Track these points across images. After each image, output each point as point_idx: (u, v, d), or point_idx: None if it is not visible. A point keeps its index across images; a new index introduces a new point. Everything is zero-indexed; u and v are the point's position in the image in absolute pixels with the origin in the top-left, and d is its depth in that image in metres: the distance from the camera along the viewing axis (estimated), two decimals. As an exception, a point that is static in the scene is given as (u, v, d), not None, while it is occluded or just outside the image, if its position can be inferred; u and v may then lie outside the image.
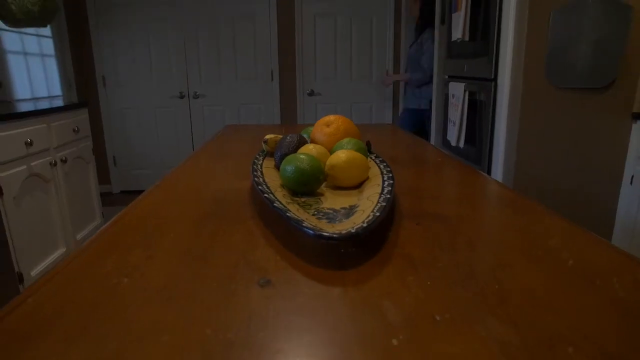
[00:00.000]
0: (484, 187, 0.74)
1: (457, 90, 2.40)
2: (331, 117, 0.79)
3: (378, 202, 0.53)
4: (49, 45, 3.46)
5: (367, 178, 0.68)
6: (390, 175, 0.64)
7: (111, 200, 3.82)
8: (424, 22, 3.01)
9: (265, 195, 0.56)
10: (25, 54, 3.19)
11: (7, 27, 2.90)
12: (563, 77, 1.96)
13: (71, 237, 2.47)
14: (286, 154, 0.70)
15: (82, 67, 3.81)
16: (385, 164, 0.71)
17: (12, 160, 1.99)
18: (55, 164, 2.32)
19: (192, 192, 0.73)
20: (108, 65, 3.84)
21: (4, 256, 1.94)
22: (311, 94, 3.99)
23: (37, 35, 3.31)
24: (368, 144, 0.82)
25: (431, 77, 2.96)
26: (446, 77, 2.73)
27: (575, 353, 0.30)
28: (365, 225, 0.45)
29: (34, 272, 2.11)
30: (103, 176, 3.96)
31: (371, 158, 0.77)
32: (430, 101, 3.03)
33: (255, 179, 0.64)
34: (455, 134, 2.43)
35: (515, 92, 2.00)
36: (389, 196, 0.54)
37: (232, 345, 0.31)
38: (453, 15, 2.47)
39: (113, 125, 3.97)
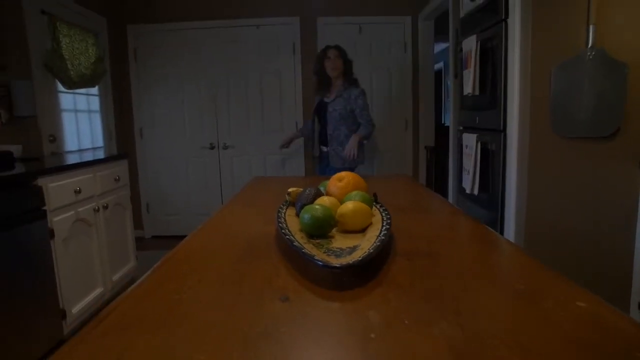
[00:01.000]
0: (468, 230, 0.88)
1: (470, 140, 2.55)
2: (343, 174, 0.96)
3: (374, 242, 0.68)
4: (95, 102, 3.82)
5: (371, 223, 0.83)
6: (389, 222, 0.79)
7: (144, 244, 4.03)
8: (348, 79, 3.08)
9: (287, 237, 0.72)
10: (76, 111, 3.54)
11: (64, 90, 3.26)
12: (567, 128, 2.09)
13: (108, 277, 2.65)
14: (305, 204, 0.86)
15: (123, 121, 4.16)
16: (386, 212, 0.86)
17: (64, 206, 2.22)
18: (98, 210, 2.55)
19: (229, 234, 0.89)
20: (145, 118, 4.18)
21: (52, 294, 2.12)
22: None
23: (86, 94, 3.68)
24: (375, 195, 0.97)
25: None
26: (460, 127, 2.89)
27: (500, 344, 0.44)
28: (360, 259, 0.60)
29: (75, 310, 2.28)
30: (136, 222, 4.20)
31: (376, 207, 0.92)
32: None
33: (279, 224, 0.80)
34: (470, 182, 2.56)
35: (523, 142, 2.14)
36: (383, 238, 0.69)
37: (262, 336, 0.46)
38: (464, 72, 2.67)
39: (147, 173, 4.26)
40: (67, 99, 3.43)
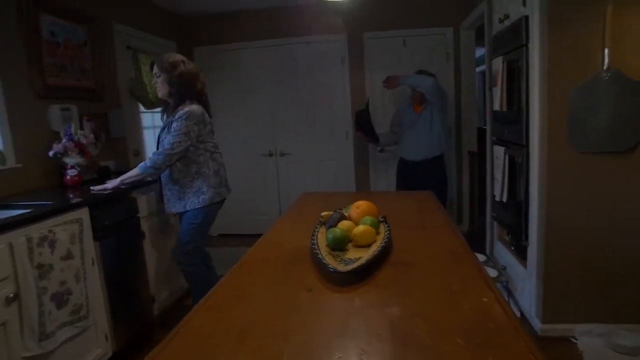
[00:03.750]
0: (451, 247, 1.22)
1: (500, 152, 2.79)
2: (361, 202, 1.33)
3: (371, 255, 1.04)
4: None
5: (375, 240, 1.19)
6: (386, 239, 1.15)
7: (212, 242, 4.56)
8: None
9: (315, 250, 1.10)
10: (154, 127, 4.13)
11: (144, 110, 3.85)
12: (584, 143, 2.30)
13: (184, 272, 3.17)
14: (331, 226, 1.24)
15: (193, 134, 4.72)
16: (389, 232, 1.22)
17: (151, 213, 2.74)
18: (175, 215, 3.06)
19: (278, 245, 1.29)
20: (213, 130, 4.72)
21: (144, 283, 2.66)
22: (382, 150, 4.54)
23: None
24: (384, 217, 1.33)
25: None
26: (494, 138, 3.13)
27: (420, 320, 0.79)
28: (356, 267, 0.97)
29: (161, 297, 2.81)
30: (206, 222, 4.77)
31: (385, 226, 1.28)
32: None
33: (312, 240, 1.18)
34: (499, 190, 2.81)
35: (542, 156, 2.36)
36: (376, 253, 1.05)
37: (294, 311, 0.85)
38: (493, 89, 2.91)
39: (215, 179, 4.81)
40: (147, 117, 4.02)
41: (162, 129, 2.44)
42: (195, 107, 2.36)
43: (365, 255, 1.08)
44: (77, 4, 2.98)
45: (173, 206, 2.48)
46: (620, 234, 2.32)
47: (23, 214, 1.85)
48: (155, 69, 2.38)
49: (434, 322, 0.78)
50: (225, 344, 0.75)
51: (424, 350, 0.71)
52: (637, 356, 2.20)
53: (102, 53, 3.24)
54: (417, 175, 3.61)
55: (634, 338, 2.25)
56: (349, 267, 0.99)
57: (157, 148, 2.46)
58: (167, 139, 2.32)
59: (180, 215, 2.53)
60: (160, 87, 2.38)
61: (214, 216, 2.58)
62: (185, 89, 2.37)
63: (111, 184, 2.41)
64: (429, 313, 0.82)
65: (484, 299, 0.85)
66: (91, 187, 2.42)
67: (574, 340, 2.37)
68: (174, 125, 2.32)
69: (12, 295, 1.67)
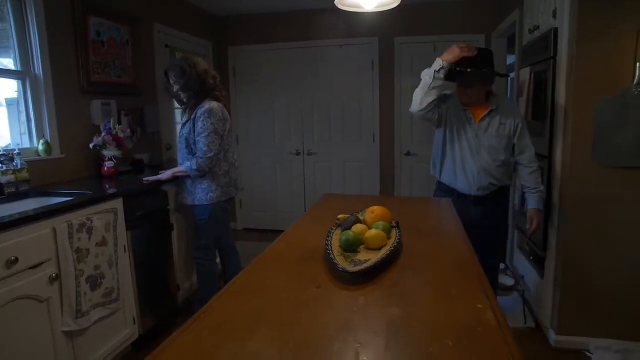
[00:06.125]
0: (455, 253, 1.28)
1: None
2: (374, 207, 1.41)
3: (379, 258, 1.12)
4: (203, 115, 4.57)
5: (386, 244, 1.26)
6: (395, 244, 1.22)
7: (237, 235, 4.72)
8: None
9: (327, 250, 1.18)
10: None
11: (178, 106, 4.01)
12: (609, 157, 2.29)
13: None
14: (346, 228, 1.32)
15: (224, 130, 4.89)
16: (399, 237, 1.29)
17: (179, 206, 2.88)
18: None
19: (295, 244, 1.38)
20: (241, 127, 4.87)
21: (171, 272, 2.80)
22: (407, 154, 4.58)
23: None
24: (397, 222, 1.40)
25: None
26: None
27: (417, 321, 0.86)
28: (363, 268, 1.05)
29: (185, 286, 2.96)
30: (231, 215, 4.93)
31: (396, 231, 1.35)
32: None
33: (326, 241, 1.27)
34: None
35: (565, 168, 2.37)
36: (384, 256, 1.13)
37: (304, 304, 0.94)
38: (519, 98, 2.91)
39: (241, 175, 4.96)
40: (180, 113, 4.18)
41: (183, 125, 2.57)
42: (214, 105, 2.50)
43: (374, 257, 1.16)
44: (122, 6, 3.16)
45: (185, 197, 2.63)
46: (641, 250, 2.30)
47: (65, 201, 2.01)
48: (171, 78, 2.54)
49: (428, 323, 0.86)
50: (240, 329, 0.85)
51: (415, 347, 0.79)
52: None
53: (142, 51, 3.41)
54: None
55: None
56: (357, 268, 1.07)
57: (178, 143, 2.65)
58: (200, 142, 2.45)
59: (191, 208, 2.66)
60: (180, 93, 2.54)
61: (222, 213, 2.70)
62: (198, 89, 2.50)
63: (164, 175, 2.58)
64: (425, 315, 0.89)
65: (479, 305, 0.91)
66: (144, 178, 2.61)
67: (589, 354, 2.37)
68: (199, 125, 2.44)
69: (54, 275, 1.83)
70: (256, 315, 0.90)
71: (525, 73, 2.78)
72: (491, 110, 2.24)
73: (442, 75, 2.15)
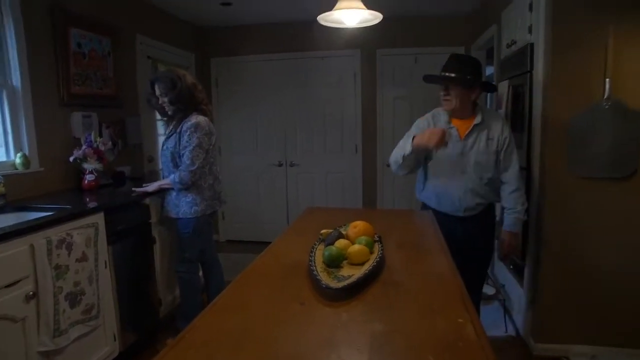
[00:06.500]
0: (437, 268, 1.30)
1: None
2: (357, 222, 1.42)
3: (362, 273, 1.13)
4: (185, 126, 4.54)
5: (369, 259, 1.28)
6: (378, 259, 1.23)
7: (219, 247, 4.68)
8: None
9: (311, 266, 1.19)
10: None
11: (160, 118, 3.99)
12: (584, 168, 2.36)
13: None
14: (329, 244, 1.33)
15: (207, 141, 4.87)
16: (382, 251, 1.30)
17: (162, 220, 2.85)
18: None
19: (279, 259, 1.39)
20: (223, 138, 4.85)
21: (153, 286, 2.77)
22: (389, 165, 4.61)
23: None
24: (379, 237, 1.42)
25: None
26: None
27: (399, 336, 0.88)
28: (346, 284, 1.06)
29: (166, 300, 2.91)
30: (214, 227, 4.89)
31: (379, 245, 1.37)
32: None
33: (310, 257, 1.27)
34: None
35: (543, 180, 2.43)
36: (366, 272, 1.14)
37: (287, 320, 0.94)
38: (498, 111, 2.98)
39: (224, 186, 4.92)
40: (162, 125, 4.16)
41: (167, 138, 2.55)
42: (201, 119, 2.49)
43: (357, 273, 1.17)
44: (104, 17, 3.15)
45: (169, 210, 2.60)
46: (617, 258, 2.37)
47: (44, 217, 1.98)
48: (158, 90, 2.48)
49: (410, 339, 0.87)
50: (225, 347, 0.85)
51: (398, 363, 0.80)
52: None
53: (124, 63, 3.39)
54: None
55: (626, 362, 2.30)
56: (340, 284, 1.08)
57: (161, 156, 2.64)
58: (185, 155, 2.44)
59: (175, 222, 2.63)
60: (166, 106, 2.50)
61: (205, 227, 2.69)
62: (188, 102, 2.48)
63: (151, 187, 2.58)
64: (408, 330, 0.91)
65: (460, 320, 0.93)
66: (133, 189, 2.62)
67: (568, 361, 2.42)
68: (185, 139, 2.43)
69: (31, 293, 1.79)
70: (241, 333, 0.90)
71: (504, 86, 2.85)
72: (476, 125, 2.11)
73: (412, 158, 2.13)
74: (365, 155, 4.69)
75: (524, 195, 2.20)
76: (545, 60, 2.36)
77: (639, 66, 2.29)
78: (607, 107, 2.31)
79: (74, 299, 2.01)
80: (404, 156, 2.11)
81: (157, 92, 2.49)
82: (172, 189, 2.54)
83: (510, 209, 2.18)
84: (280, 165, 4.84)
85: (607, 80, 2.29)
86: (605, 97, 2.30)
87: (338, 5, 1.79)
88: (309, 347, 0.86)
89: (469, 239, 2.18)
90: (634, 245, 2.36)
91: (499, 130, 2.12)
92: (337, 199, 4.76)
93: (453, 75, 2.09)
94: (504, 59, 3.06)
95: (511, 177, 2.15)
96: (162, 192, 2.63)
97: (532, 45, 2.50)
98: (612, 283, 2.39)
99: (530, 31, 2.53)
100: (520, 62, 2.65)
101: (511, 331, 2.76)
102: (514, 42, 2.85)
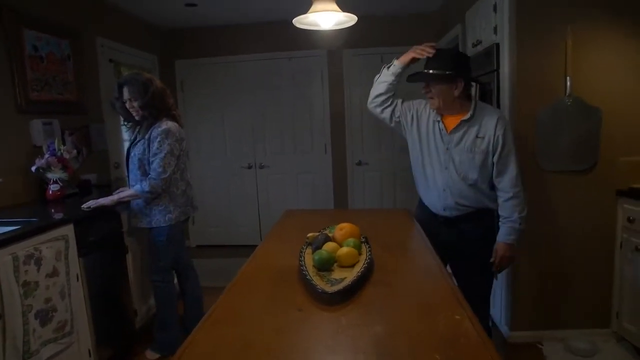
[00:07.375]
0: (426, 267, 1.32)
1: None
2: (344, 224, 1.43)
3: (355, 277, 1.14)
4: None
5: (358, 260, 1.28)
6: (368, 261, 1.24)
7: (191, 253, 4.59)
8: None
9: (303, 271, 1.18)
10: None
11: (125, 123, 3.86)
12: (550, 163, 2.46)
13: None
14: (317, 247, 1.33)
15: (174, 146, 4.75)
16: (370, 252, 1.31)
17: (134, 228, 2.76)
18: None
19: (266, 266, 1.37)
20: (191, 141, 4.74)
21: (127, 297, 2.68)
22: (359, 164, 4.67)
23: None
24: (366, 238, 1.43)
25: None
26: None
27: (401, 336, 0.89)
28: (341, 288, 1.06)
29: (142, 310, 2.83)
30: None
31: (366, 247, 1.38)
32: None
33: (300, 260, 1.27)
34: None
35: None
36: (359, 274, 1.15)
37: (286, 329, 0.93)
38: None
39: (194, 190, 4.84)
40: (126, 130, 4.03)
41: (134, 144, 2.44)
42: (171, 125, 2.39)
43: (349, 275, 1.17)
44: (61, 19, 3.01)
45: (140, 221, 2.48)
46: (578, 245, 2.50)
47: (9, 232, 1.87)
48: (127, 94, 2.34)
49: (413, 339, 0.88)
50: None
51: (405, 365, 0.81)
52: (592, 357, 2.37)
53: (85, 66, 3.26)
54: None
55: (589, 341, 2.45)
56: (335, 288, 1.08)
57: (127, 163, 2.49)
58: (156, 162, 2.32)
59: (147, 231, 2.53)
60: (135, 111, 2.37)
61: (179, 233, 2.61)
62: (159, 107, 2.38)
63: (107, 200, 2.38)
64: (408, 330, 0.92)
65: (457, 317, 0.95)
66: (83, 206, 2.34)
67: (540, 346, 2.52)
68: (156, 145, 2.32)
69: (-2, 314, 1.69)
70: (242, 345, 0.88)
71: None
72: (464, 120, 1.91)
73: (391, 72, 2.02)
74: (335, 155, 4.71)
75: (523, 203, 1.97)
76: (511, 59, 2.44)
77: (595, 64, 2.41)
78: (569, 103, 2.42)
79: (45, 317, 1.91)
80: (384, 67, 2.06)
81: (126, 95, 2.35)
82: (137, 199, 2.42)
83: (505, 217, 1.96)
84: (249, 167, 4.79)
85: (568, 77, 2.39)
86: (567, 94, 2.41)
87: (313, 7, 1.79)
88: (314, 355, 0.85)
89: (459, 244, 2.01)
90: (595, 234, 2.49)
91: (491, 128, 1.89)
92: (308, 199, 4.76)
93: (430, 71, 1.92)
94: (471, 58, 3.14)
95: (506, 183, 1.93)
96: (127, 204, 2.51)
97: (497, 45, 2.58)
98: (576, 269, 2.52)
99: (495, 31, 2.61)
100: (487, 61, 2.73)
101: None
102: (479, 42, 2.93)
